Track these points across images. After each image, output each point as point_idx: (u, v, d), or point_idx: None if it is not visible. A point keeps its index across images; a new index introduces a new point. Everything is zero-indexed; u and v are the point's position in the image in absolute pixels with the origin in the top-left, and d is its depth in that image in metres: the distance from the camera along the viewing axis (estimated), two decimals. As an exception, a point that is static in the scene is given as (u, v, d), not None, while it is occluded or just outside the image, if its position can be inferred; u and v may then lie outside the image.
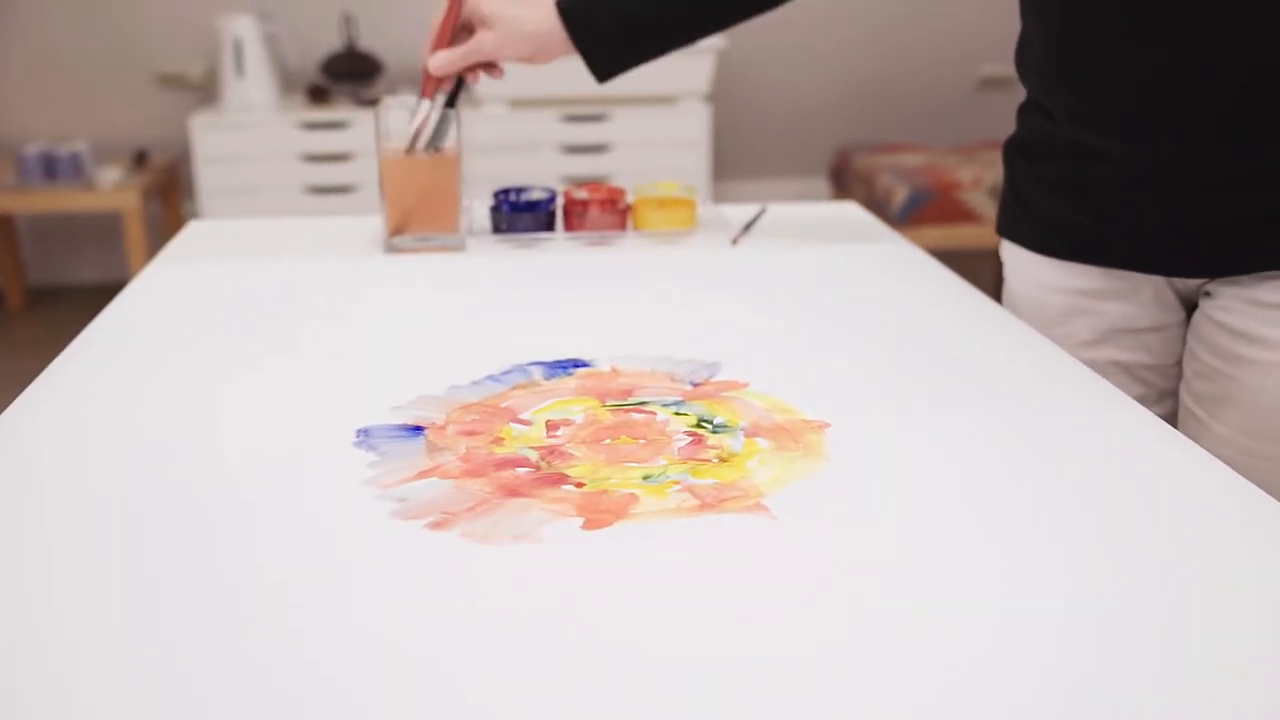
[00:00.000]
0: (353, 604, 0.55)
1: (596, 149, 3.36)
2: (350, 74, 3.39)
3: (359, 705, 0.47)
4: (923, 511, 0.64)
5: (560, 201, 1.25)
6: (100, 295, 3.55)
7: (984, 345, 0.91)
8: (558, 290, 1.06)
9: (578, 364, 0.86)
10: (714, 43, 3.23)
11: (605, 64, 1.14)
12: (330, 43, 3.48)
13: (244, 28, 3.27)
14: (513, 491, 0.66)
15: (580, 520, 0.63)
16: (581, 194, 1.24)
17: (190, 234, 1.28)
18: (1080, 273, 1.01)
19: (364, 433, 0.74)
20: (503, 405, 0.78)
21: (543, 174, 3.26)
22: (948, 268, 1.14)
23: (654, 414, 0.77)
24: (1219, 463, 0.70)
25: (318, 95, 3.39)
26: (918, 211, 3.13)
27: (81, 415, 0.78)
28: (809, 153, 3.81)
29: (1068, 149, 0.98)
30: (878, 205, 3.21)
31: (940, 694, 0.48)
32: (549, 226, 1.23)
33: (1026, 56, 1.03)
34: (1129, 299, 1.00)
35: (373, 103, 3.34)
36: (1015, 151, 1.08)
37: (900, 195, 3.14)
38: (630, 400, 0.79)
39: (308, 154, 3.29)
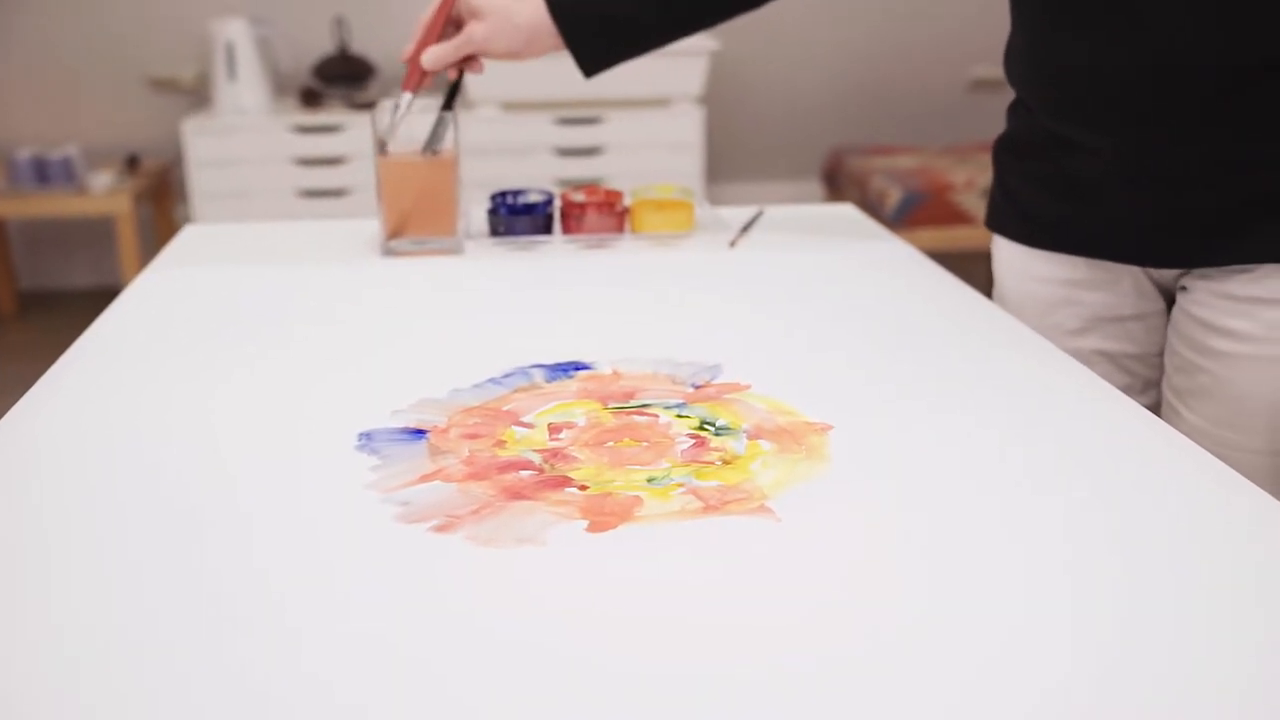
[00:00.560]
0: (357, 608, 0.54)
1: (590, 151, 3.36)
2: (343, 77, 3.39)
3: (364, 711, 0.47)
4: (926, 512, 0.64)
5: (558, 204, 1.24)
6: (93, 300, 3.54)
7: (980, 344, 0.92)
8: (557, 293, 1.05)
9: (579, 366, 0.86)
10: (707, 45, 3.23)
11: (592, 59, 1.15)
12: (323, 46, 3.48)
13: (236, 31, 3.26)
14: (517, 494, 0.66)
15: (585, 523, 0.62)
16: (579, 197, 1.24)
17: (185, 239, 1.28)
18: (1063, 263, 1.04)
19: (366, 436, 0.74)
20: (505, 408, 0.78)
21: (536, 177, 3.26)
22: (943, 268, 1.14)
23: (656, 417, 0.77)
24: (1207, 454, 0.71)
25: (310, 99, 3.38)
26: (911, 213, 3.13)
27: (80, 421, 0.77)
28: (802, 155, 3.81)
29: (1048, 142, 1.01)
30: (871, 207, 3.21)
31: (949, 696, 0.48)
32: (547, 229, 1.23)
33: (1009, 53, 1.06)
34: (1110, 288, 1.02)
35: (366, 106, 3.33)
36: (1003, 148, 1.11)
37: (894, 197, 3.14)
38: (632, 403, 0.79)
39: (301, 158, 3.29)
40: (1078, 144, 0.98)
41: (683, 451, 0.72)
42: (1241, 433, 0.94)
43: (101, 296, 3.53)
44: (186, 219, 3.42)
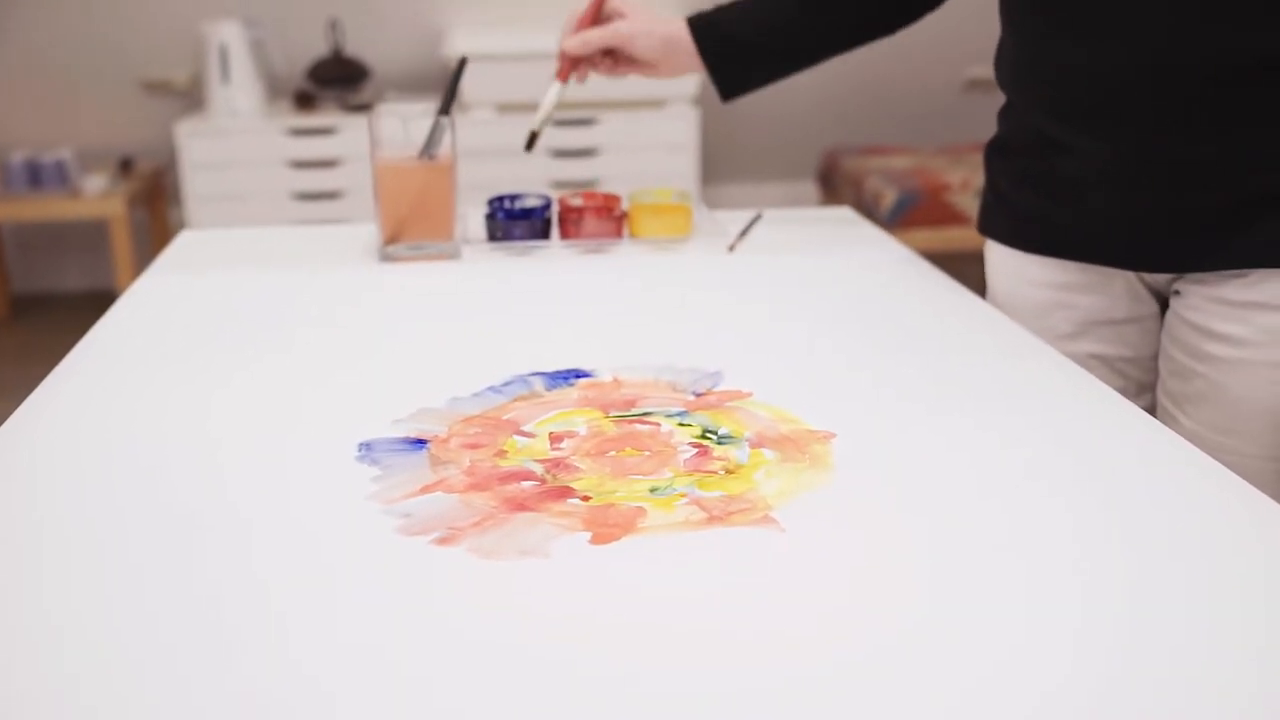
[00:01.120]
0: (360, 622, 0.54)
1: (586, 153, 3.36)
2: (337, 79, 3.38)
3: (371, 728, 0.47)
4: (930, 521, 0.63)
5: (555, 209, 1.24)
6: (86, 303, 3.54)
7: (978, 347, 0.91)
8: (556, 299, 1.05)
9: (579, 374, 0.85)
10: None
11: (728, 81, 1.19)
12: (317, 48, 3.47)
13: (230, 33, 3.26)
14: (519, 505, 0.65)
15: (588, 535, 0.62)
16: (577, 201, 1.24)
17: (181, 244, 1.27)
18: (1055, 266, 1.04)
19: (366, 446, 0.73)
20: (505, 417, 0.78)
21: (532, 178, 3.25)
22: (941, 270, 1.14)
23: (658, 425, 0.77)
24: (1208, 458, 0.71)
25: (305, 101, 3.38)
26: (907, 214, 3.13)
27: (78, 429, 0.77)
28: (797, 156, 3.81)
29: (1038, 145, 1.01)
30: (866, 208, 3.21)
31: (956, 703, 0.48)
32: (544, 234, 1.23)
33: (1000, 57, 1.06)
34: (1102, 291, 1.02)
35: (360, 108, 3.33)
36: (995, 151, 1.10)
37: (889, 198, 3.14)
38: (634, 411, 0.79)
39: (295, 160, 3.28)
40: (1070, 147, 0.97)
41: (685, 461, 0.71)
42: (1237, 437, 0.94)
43: (95, 300, 3.53)
44: (180, 222, 3.41)
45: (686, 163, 3.35)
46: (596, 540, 0.61)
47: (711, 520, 0.64)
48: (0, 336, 3.36)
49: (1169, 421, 1.00)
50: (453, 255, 1.17)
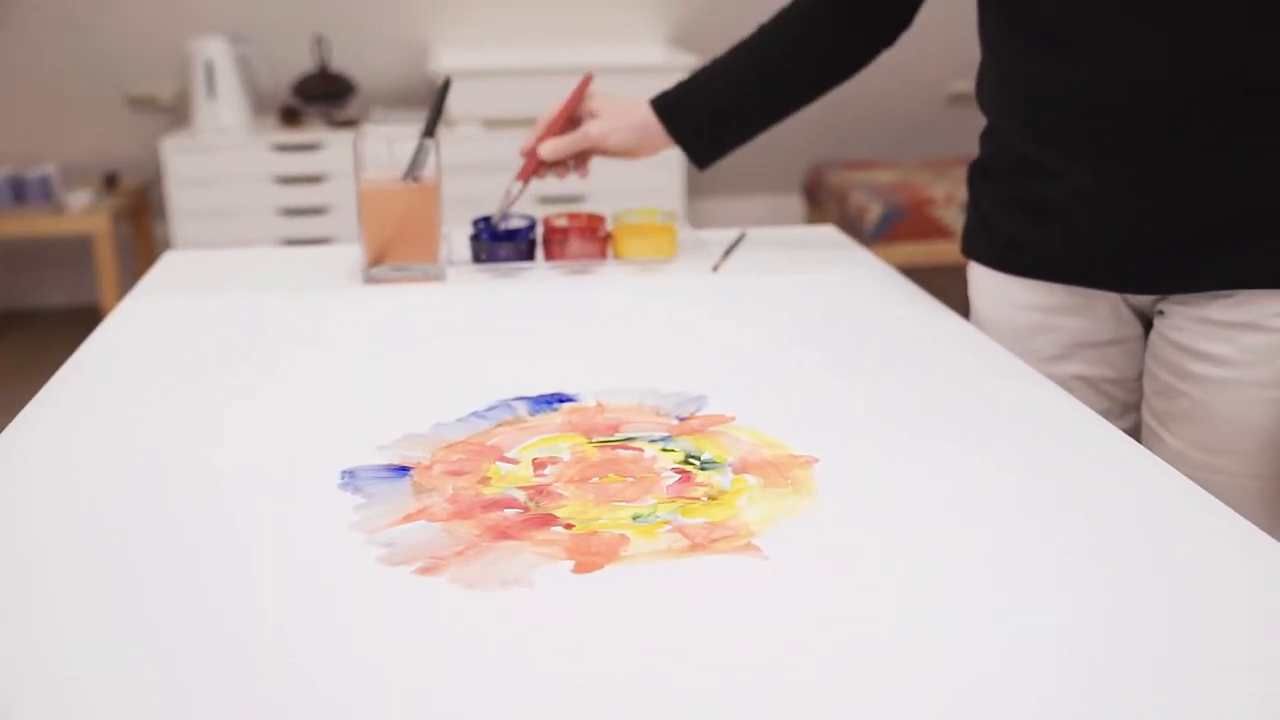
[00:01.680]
0: (342, 654, 0.54)
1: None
2: (323, 95, 3.38)
3: (353, 764, 0.47)
4: (912, 546, 0.64)
5: (540, 230, 1.24)
6: (70, 319, 3.53)
7: (962, 370, 0.92)
8: (540, 321, 1.05)
9: (563, 399, 0.85)
10: (685, 61, 3.24)
11: (703, 152, 1.22)
12: (302, 64, 3.46)
13: (215, 49, 3.25)
14: (502, 534, 0.65)
15: (571, 563, 0.62)
16: (562, 221, 1.24)
17: (166, 265, 1.27)
18: (1039, 289, 1.04)
19: (349, 474, 0.73)
20: (489, 443, 0.78)
21: (517, 194, 3.25)
22: (924, 289, 1.15)
23: (641, 450, 0.77)
24: (1190, 482, 0.72)
25: (290, 117, 3.37)
26: (891, 228, 3.14)
27: (59, 459, 0.77)
28: (783, 170, 3.82)
29: (1021, 167, 1.01)
30: (851, 222, 3.22)
31: (939, 742, 0.48)
32: (529, 255, 1.23)
33: (982, 80, 1.07)
34: (1087, 314, 1.03)
35: (346, 124, 3.33)
36: (978, 173, 1.11)
37: (874, 212, 3.15)
38: (617, 436, 0.79)
39: (281, 176, 3.27)
40: (1054, 170, 0.98)
41: (668, 487, 0.71)
42: (1223, 456, 0.95)
43: (79, 316, 3.51)
44: (165, 237, 3.40)
45: (672, 176, 3.35)
46: (579, 569, 0.62)
47: (694, 548, 0.64)
48: (-16, 353, 3.34)
49: (1154, 441, 1.00)
50: (437, 277, 1.17)
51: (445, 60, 3.35)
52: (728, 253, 1.25)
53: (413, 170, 1.15)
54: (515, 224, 1.24)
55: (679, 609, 0.58)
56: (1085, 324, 1.03)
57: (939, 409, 0.84)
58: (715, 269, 1.21)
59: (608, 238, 1.24)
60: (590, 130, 1.21)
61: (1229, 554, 0.64)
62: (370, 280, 1.17)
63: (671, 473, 0.73)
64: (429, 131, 1.17)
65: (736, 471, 0.73)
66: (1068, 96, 0.94)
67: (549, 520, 0.67)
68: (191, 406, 0.85)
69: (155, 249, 3.55)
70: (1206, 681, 0.52)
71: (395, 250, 1.16)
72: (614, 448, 0.77)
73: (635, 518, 0.67)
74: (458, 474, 0.73)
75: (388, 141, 1.15)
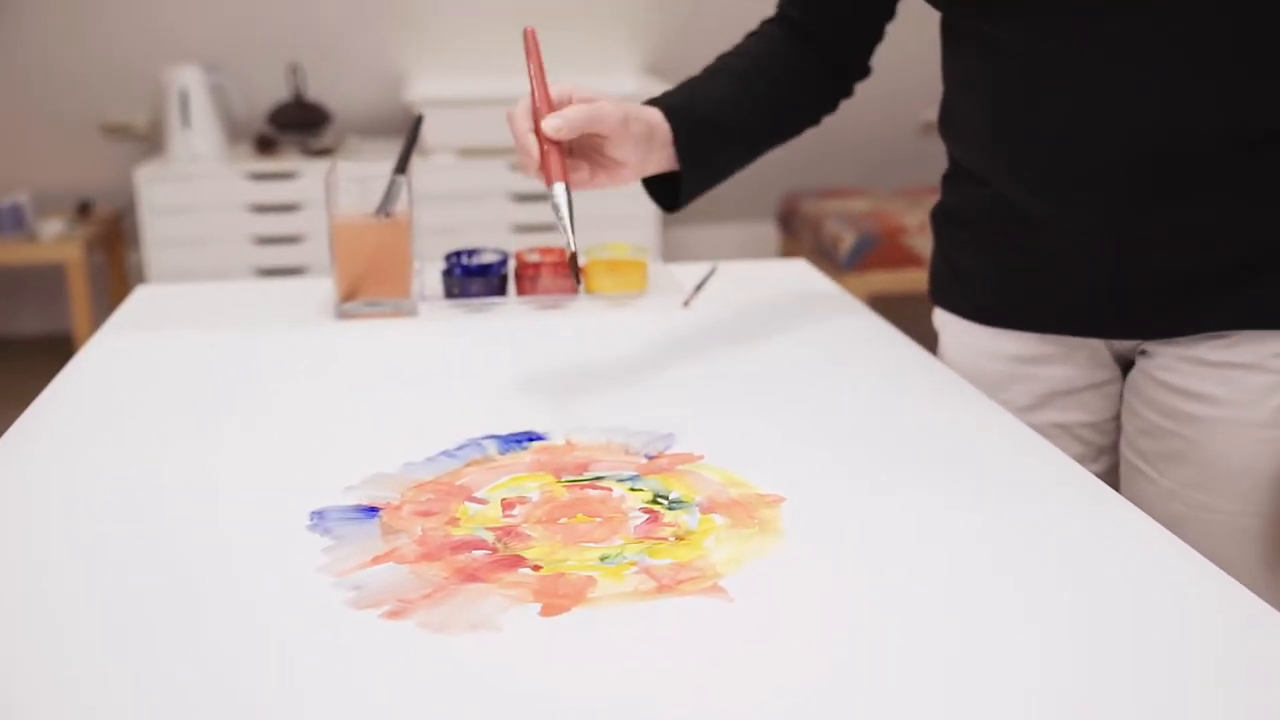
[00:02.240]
0: (308, 701, 0.54)
1: (546, 196, 3.37)
2: (298, 124, 3.38)
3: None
4: (877, 590, 0.64)
5: (512, 264, 1.25)
6: (42, 347, 3.51)
7: (932, 410, 0.92)
8: (511, 358, 1.06)
9: (532, 437, 0.86)
10: (660, 90, 3.26)
11: (693, 161, 1.08)
12: (278, 93, 3.47)
13: (190, 78, 3.25)
14: (470, 576, 0.66)
15: (538, 606, 0.63)
16: (534, 257, 1.25)
17: (138, 300, 1.27)
18: (1015, 339, 1.02)
19: (318, 515, 0.73)
20: (458, 483, 0.78)
21: (492, 223, 3.26)
22: (897, 317, 1.15)
23: (610, 490, 0.77)
24: (1170, 535, 0.72)
25: (265, 146, 3.38)
26: (864, 257, 3.17)
27: (25, 500, 0.77)
28: (757, 199, 3.84)
29: (999, 214, 0.98)
30: (825, 251, 3.25)
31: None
32: (501, 290, 1.23)
33: (954, 122, 1.03)
34: (1065, 362, 1.01)
35: (322, 153, 3.33)
36: (945, 219, 1.08)
37: (847, 241, 3.18)
38: (586, 475, 0.79)
39: (255, 204, 3.27)
40: (1030, 216, 0.95)
41: (636, 527, 0.72)
42: (1216, 495, 0.92)
43: (51, 344, 3.49)
44: (139, 266, 3.39)
45: (646, 206, 3.37)
46: (546, 612, 0.62)
47: (661, 589, 0.64)
48: (-46, 382, 3.32)
49: (1141, 480, 0.98)
50: (409, 312, 1.18)
51: (420, 89, 3.36)
52: (699, 287, 1.26)
53: (384, 206, 1.16)
54: (487, 258, 1.25)
55: (643, 653, 0.59)
56: (1063, 372, 1.01)
57: (907, 449, 0.84)
58: (686, 304, 1.22)
59: (579, 272, 1.24)
60: (603, 108, 0.94)
61: (1204, 601, 0.64)
62: (342, 315, 1.17)
63: (639, 512, 0.74)
64: (401, 168, 1.17)
65: (704, 511, 0.74)
66: (1049, 145, 0.91)
67: (517, 562, 0.68)
68: (160, 446, 0.85)
69: (129, 278, 3.54)
70: (1162, 723, 0.53)
71: (367, 286, 1.17)
72: (583, 487, 0.78)
73: (603, 559, 0.68)
74: (427, 514, 0.74)
75: (360, 180, 1.16)
